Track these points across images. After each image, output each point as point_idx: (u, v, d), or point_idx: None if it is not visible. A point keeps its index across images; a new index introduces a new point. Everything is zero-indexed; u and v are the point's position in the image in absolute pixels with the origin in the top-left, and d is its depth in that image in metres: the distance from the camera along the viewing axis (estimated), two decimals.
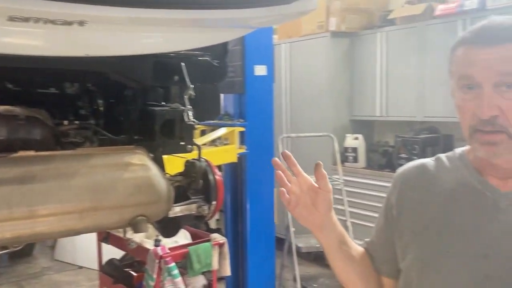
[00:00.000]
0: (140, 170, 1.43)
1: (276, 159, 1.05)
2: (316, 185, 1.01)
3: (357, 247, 1.11)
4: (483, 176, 0.96)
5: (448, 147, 3.89)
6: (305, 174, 1.03)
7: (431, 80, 3.82)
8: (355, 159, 4.34)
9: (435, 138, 3.92)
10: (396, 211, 1.04)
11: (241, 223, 3.34)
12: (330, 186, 1.02)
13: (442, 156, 1.04)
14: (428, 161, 1.05)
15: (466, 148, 1.01)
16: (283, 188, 1.02)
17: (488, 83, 0.86)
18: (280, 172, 1.02)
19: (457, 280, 0.92)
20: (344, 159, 4.33)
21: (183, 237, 2.93)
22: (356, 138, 4.39)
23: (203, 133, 3.18)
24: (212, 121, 3.29)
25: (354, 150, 4.35)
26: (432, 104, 3.84)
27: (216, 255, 2.70)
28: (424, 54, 3.88)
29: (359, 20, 4.45)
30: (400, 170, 1.09)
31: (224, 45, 1.57)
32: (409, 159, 1.12)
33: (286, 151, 1.05)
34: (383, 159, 4.21)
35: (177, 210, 1.62)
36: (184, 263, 2.65)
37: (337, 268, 1.08)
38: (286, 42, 4.86)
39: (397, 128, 4.37)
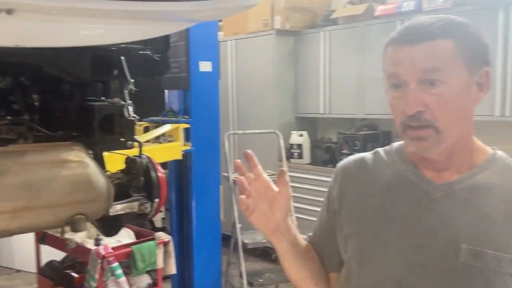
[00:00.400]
0: (78, 167, 1.38)
1: (239, 161, 1.01)
2: (275, 188, 1.00)
3: (306, 245, 1.11)
4: (418, 169, 0.99)
5: (387, 143, 3.99)
6: (265, 177, 1.00)
7: (371, 79, 3.95)
8: (300, 155, 4.42)
9: (375, 135, 4.06)
10: (337, 204, 1.07)
11: (187, 221, 3.31)
12: (290, 192, 1.02)
13: (380, 150, 1.08)
14: (367, 155, 1.08)
15: (403, 142, 1.04)
16: (242, 196, 0.99)
17: (413, 80, 0.89)
18: (241, 178, 0.99)
19: (394, 269, 0.95)
20: (289, 156, 4.39)
21: (126, 236, 2.86)
22: (301, 135, 4.47)
23: (146, 130, 3.13)
24: (156, 118, 3.25)
25: (299, 146, 4.42)
26: (372, 102, 3.97)
27: (161, 254, 2.67)
28: (364, 53, 4.01)
29: (303, 19, 4.52)
30: (340, 164, 1.12)
31: (166, 39, 1.55)
32: (350, 155, 1.15)
33: (249, 151, 1.01)
34: (326, 155, 4.30)
35: (118, 208, 1.58)
36: (128, 262, 2.60)
37: (290, 269, 1.09)
38: (232, 39, 4.86)
39: (339, 125, 4.48)
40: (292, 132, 4.49)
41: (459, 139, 0.94)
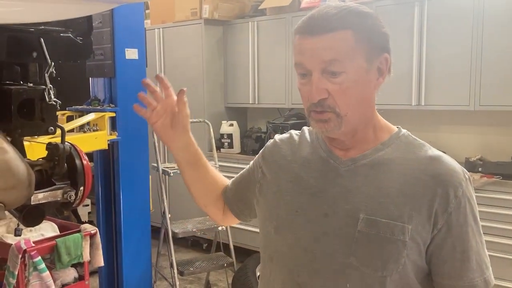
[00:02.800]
0: None
1: (147, 79, 1.18)
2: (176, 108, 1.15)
3: (215, 175, 1.31)
4: (329, 147, 1.09)
5: None
6: (173, 98, 1.16)
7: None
8: (231, 145, 4.45)
9: (303, 124, 4.15)
10: (263, 171, 1.18)
11: (115, 213, 3.23)
12: (188, 111, 1.17)
13: (306, 129, 1.19)
14: (296, 133, 1.20)
15: None
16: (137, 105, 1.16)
17: (316, 70, 0.96)
18: (142, 93, 1.16)
19: (302, 236, 1.04)
20: (220, 145, 4.40)
21: (50, 230, 2.75)
22: (231, 125, 4.50)
23: (70, 119, 3.00)
24: (79, 107, 3.13)
25: (229, 136, 4.45)
26: (298, 92, 4.08)
27: (88, 246, 2.59)
28: (290, 44, 4.08)
29: (232, 9, 4.54)
30: (275, 137, 1.23)
31: (89, 21, 1.49)
32: None
33: (160, 74, 1.18)
34: (256, 144, 4.37)
35: (40, 197, 1.51)
36: (53, 256, 2.50)
37: (187, 180, 1.27)
38: (159, 27, 4.77)
39: (268, 115, 4.56)
40: (222, 122, 4.51)
41: (361, 120, 1.02)
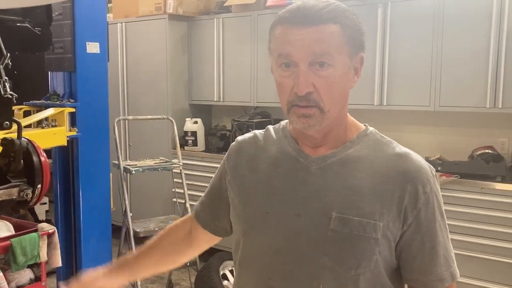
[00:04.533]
0: None
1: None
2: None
3: (167, 239, 1.25)
4: (299, 145, 1.06)
5: None
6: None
7: (263, 67, 4.05)
8: (195, 143, 4.40)
9: (268, 122, 4.18)
10: (230, 176, 1.13)
11: (74, 212, 3.13)
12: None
13: (270, 127, 1.15)
14: (260, 132, 1.16)
15: (288, 120, 1.11)
16: None
17: (304, 62, 0.93)
18: None
19: (274, 238, 1.01)
20: (183, 143, 4.35)
21: (5, 229, 2.63)
22: (196, 122, 4.44)
23: (27, 114, 2.89)
24: (37, 101, 3.01)
25: (194, 134, 4.40)
26: (264, 90, 4.08)
27: (45, 246, 2.49)
28: (256, 43, 4.09)
29: (197, 5, 4.48)
30: (237, 139, 1.19)
31: (48, 11, 1.43)
32: None
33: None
34: (220, 142, 4.34)
35: None
36: (7, 257, 2.39)
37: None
38: (122, 21, 4.67)
39: (233, 113, 4.54)
40: (186, 119, 4.45)
41: (337, 118, 1.01)
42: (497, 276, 3.00)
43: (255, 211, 1.05)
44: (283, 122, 1.14)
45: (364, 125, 1.09)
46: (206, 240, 1.27)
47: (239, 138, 1.19)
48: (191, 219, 1.26)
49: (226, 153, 1.19)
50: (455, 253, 1.05)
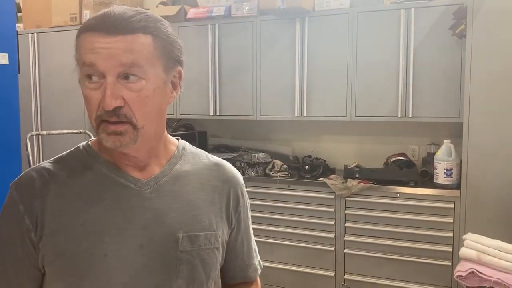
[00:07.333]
0: None
1: None
2: None
3: None
4: (122, 169, 0.94)
5: (203, 143, 4.16)
6: None
7: (185, 79, 4.00)
8: None
9: (191, 135, 4.14)
10: (37, 232, 0.90)
11: None
12: None
13: (64, 155, 0.99)
14: (50, 165, 0.96)
15: (91, 142, 1.00)
16: None
17: (111, 73, 0.84)
18: None
19: (119, 278, 0.89)
20: None
21: None
22: None
23: None
24: None
25: None
26: (187, 103, 4.04)
27: None
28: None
29: None
30: (15, 187, 0.93)
31: None
32: None
33: None
34: None
35: None
36: None
37: None
38: (34, 32, 4.42)
39: None
40: None
41: (156, 134, 0.94)
42: (415, 276, 3.15)
43: (86, 258, 0.88)
44: (81, 146, 1.01)
45: (176, 138, 1.06)
46: None
47: (17, 184, 0.93)
48: None
49: (13, 209, 0.91)
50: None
